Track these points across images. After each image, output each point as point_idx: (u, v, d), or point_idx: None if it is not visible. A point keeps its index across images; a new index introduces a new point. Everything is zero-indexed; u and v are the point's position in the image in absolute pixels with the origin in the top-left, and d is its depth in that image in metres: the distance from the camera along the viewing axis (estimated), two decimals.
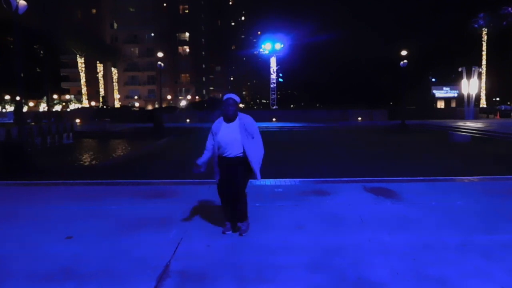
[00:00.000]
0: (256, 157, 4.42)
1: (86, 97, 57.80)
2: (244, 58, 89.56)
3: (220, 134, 4.37)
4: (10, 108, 63.73)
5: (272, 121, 37.59)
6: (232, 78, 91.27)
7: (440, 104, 50.71)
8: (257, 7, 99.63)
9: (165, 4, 77.50)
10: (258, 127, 4.60)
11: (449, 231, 4.65)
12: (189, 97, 76.02)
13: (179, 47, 78.82)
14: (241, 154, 4.38)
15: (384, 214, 5.39)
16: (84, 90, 57.16)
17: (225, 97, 4.46)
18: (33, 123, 24.07)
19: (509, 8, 50.18)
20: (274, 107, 49.03)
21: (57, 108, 71.06)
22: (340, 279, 3.45)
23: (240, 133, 4.34)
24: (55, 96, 73.95)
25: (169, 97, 76.04)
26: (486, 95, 54.18)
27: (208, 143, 4.52)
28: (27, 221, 5.19)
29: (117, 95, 64.84)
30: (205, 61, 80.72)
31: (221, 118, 4.50)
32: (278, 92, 58.50)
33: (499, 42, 53.25)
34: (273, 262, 3.81)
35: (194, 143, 18.02)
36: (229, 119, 4.41)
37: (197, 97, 75.76)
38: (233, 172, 4.38)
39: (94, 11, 77.40)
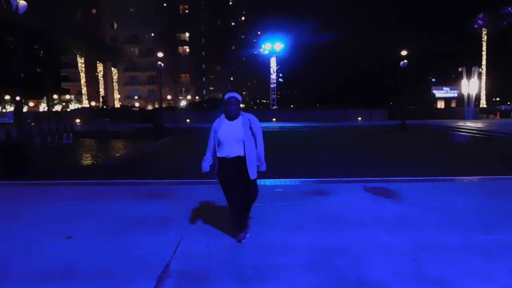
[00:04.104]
0: (253, 155, 4.26)
1: (86, 97, 57.70)
2: (244, 58, 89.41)
3: (220, 132, 4.25)
4: (10, 108, 63.71)
5: (272, 121, 37.59)
6: (232, 78, 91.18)
7: (440, 104, 50.73)
8: (257, 7, 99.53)
9: (165, 4, 77.47)
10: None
11: (449, 231, 4.65)
12: (189, 97, 75.99)
13: (179, 47, 78.80)
14: (243, 153, 4.23)
15: (384, 214, 5.39)
16: (84, 90, 57.07)
17: (227, 96, 4.36)
18: (33, 123, 24.07)
19: (509, 8, 50.14)
20: (274, 107, 49.02)
21: (57, 108, 71.06)
22: (340, 279, 3.45)
23: (244, 130, 4.21)
24: (55, 96, 73.93)
25: (169, 97, 76.02)
26: (486, 95, 54.14)
27: (210, 142, 4.39)
28: (27, 221, 5.19)
29: (117, 95, 64.76)
30: (205, 61, 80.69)
31: (223, 116, 4.37)
32: (278, 92, 58.49)
33: (499, 42, 53.23)
34: (273, 262, 3.81)
35: (194, 143, 18.04)
36: (231, 117, 4.30)
37: (197, 97, 75.73)
38: (239, 173, 4.23)
39: (94, 11, 77.35)
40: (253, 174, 4.25)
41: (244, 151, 4.22)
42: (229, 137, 4.21)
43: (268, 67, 52.51)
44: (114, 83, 64.86)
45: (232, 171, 4.24)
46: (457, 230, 4.70)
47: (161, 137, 21.34)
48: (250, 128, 4.26)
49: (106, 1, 76.51)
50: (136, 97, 78.42)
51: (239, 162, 4.22)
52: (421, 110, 41.20)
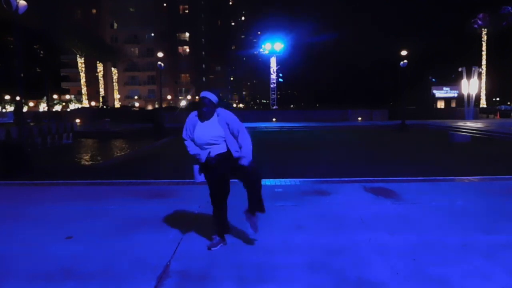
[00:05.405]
0: (244, 146, 3.89)
1: (86, 97, 57.69)
2: (244, 58, 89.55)
3: (195, 133, 3.93)
4: (10, 108, 63.71)
5: (272, 121, 37.58)
6: (232, 78, 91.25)
7: (440, 104, 50.77)
8: (257, 7, 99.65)
9: (165, 4, 77.50)
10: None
11: (449, 231, 4.65)
12: (189, 97, 76.02)
13: (179, 47, 78.84)
14: (225, 150, 3.93)
15: (384, 214, 5.39)
16: (84, 90, 57.07)
17: (201, 95, 3.96)
18: (33, 123, 24.07)
19: (509, 8, 50.16)
20: (274, 107, 49.05)
21: (57, 108, 71.07)
22: (340, 279, 3.45)
23: (223, 128, 3.89)
24: (55, 96, 73.96)
25: (169, 97, 76.04)
26: (486, 95, 54.16)
27: (185, 135, 4.05)
28: (27, 221, 5.19)
29: (117, 95, 64.75)
30: (205, 61, 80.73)
31: (195, 113, 4.00)
32: (278, 92, 58.55)
33: (499, 42, 53.28)
34: (273, 262, 3.80)
35: None
36: (204, 118, 3.93)
37: (197, 97, 75.67)
38: (226, 169, 3.96)
39: (94, 11, 77.40)
40: (242, 156, 3.87)
41: (227, 146, 3.93)
42: (204, 138, 3.91)
43: (268, 67, 52.57)
44: (114, 83, 64.86)
45: (215, 172, 4.02)
46: (457, 230, 4.70)
47: (161, 137, 21.32)
48: (228, 127, 3.93)
49: (106, 1, 76.52)
50: (136, 97, 78.44)
51: (222, 157, 3.94)
52: (421, 110, 41.22)
